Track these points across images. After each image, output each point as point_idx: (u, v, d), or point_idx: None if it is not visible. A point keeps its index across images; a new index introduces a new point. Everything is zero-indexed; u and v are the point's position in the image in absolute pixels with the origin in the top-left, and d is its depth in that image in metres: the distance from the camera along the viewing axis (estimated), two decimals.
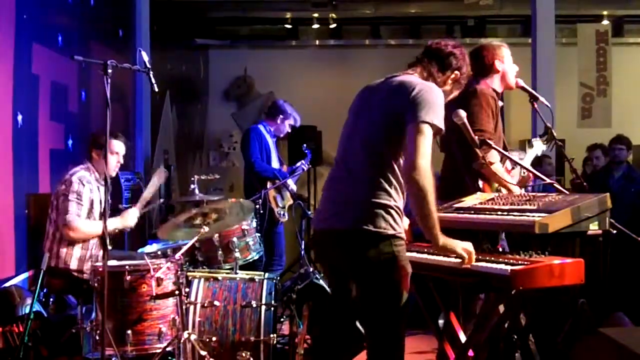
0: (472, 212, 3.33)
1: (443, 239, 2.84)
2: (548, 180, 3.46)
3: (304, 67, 10.46)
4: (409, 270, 2.88)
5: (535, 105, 4.25)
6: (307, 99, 9.39)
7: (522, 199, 3.31)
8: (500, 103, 4.21)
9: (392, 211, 2.86)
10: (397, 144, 2.87)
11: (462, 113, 3.39)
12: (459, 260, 2.92)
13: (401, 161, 2.89)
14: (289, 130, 6.73)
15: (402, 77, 3.01)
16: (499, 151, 3.62)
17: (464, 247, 2.88)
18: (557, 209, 2.97)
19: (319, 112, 8.93)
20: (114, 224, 4.68)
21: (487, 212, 3.25)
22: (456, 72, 3.12)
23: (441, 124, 2.84)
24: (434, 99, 2.87)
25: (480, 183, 3.87)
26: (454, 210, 3.45)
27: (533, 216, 2.96)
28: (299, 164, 6.75)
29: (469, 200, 3.54)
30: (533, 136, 7.41)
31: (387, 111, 2.93)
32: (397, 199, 2.89)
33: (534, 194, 3.36)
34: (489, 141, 3.54)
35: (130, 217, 4.77)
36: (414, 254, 3.16)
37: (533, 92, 4.25)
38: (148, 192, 4.86)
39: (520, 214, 3.05)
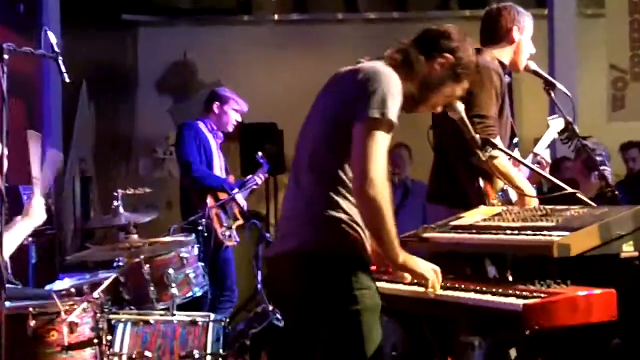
0: (474, 231, 3.34)
1: (403, 256, 2.92)
2: (568, 189, 3.48)
3: (260, 49, 10.44)
4: (373, 301, 2.91)
5: (552, 95, 4.28)
6: (264, 89, 9.38)
7: (537, 213, 3.32)
8: (507, 78, 4.26)
9: (346, 227, 2.90)
10: (345, 147, 2.90)
11: (460, 106, 3.41)
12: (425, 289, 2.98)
13: (350, 169, 2.92)
14: (238, 120, 6.70)
15: (358, 65, 3.05)
16: (505, 152, 3.64)
17: (429, 267, 2.97)
18: (581, 225, 2.98)
19: (280, 106, 8.92)
20: (23, 229, 4.43)
21: (493, 231, 3.25)
22: (447, 55, 3.10)
23: (394, 117, 2.86)
24: (384, 87, 2.88)
25: (481, 182, 3.90)
26: (451, 229, 3.46)
27: (551, 235, 2.97)
28: (250, 177, 6.73)
29: (470, 217, 3.56)
30: None
31: (330, 108, 2.99)
32: (351, 212, 2.92)
33: (551, 207, 3.37)
34: (493, 140, 3.56)
35: (36, 210, 4.48)
36: (399, 286, 3.16)
37: (549, 77, 4.30)
38: (35, 169, 4.54)
39: (535, 233, 3.06)
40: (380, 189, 2.80)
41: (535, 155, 4.52)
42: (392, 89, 2.90)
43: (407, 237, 3.48)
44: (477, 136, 3.50)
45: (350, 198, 2.92)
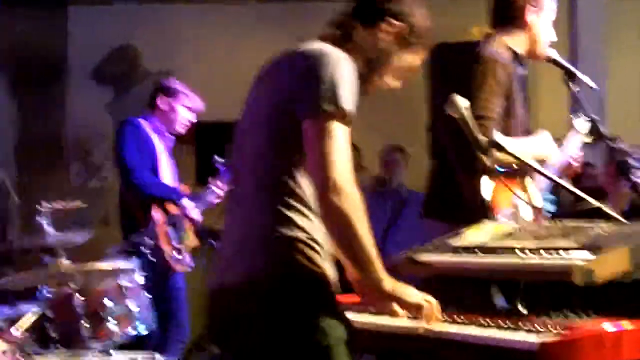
0: (479, 252, 3.35)
1: (391, 283, 2.91)
2: (594, 203, 3.50)
3: (221, 31, 10.45)
4: (342, 332, 2.91)
5: (574, 88, 4.30)
6: (226, 81, 9.35)
7: (555, 231, 3.34)
8: (521, 70, 4.29)
9: (304, 247, 2.90)
10: (292, 149, 2.91)
11: (461, 101, 3.41)
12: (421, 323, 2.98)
13: (301, 175, 2.93)
14: (190, 119, 6.69)
15: (298, 49, 3.06)
16: (516, 157, 3.64)
17: (423, 296, 2.97)
18: (609, 246, 2.99)
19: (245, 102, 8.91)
20: None
21: (502, 253, 3.26)
22: (395, 22, 3.13)
23: (351, 106, 2.87)
24: (334, 73, 2.88)
25: (488, 194, 3.92)
26: (451, 249, 3.47)
27: (572, 257, 2.98)
28: (208, 187, 6.71)
29: (473, 234, 3.57)
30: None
31: (270, 102, 2.98)
32: (308, 228, 2.93)
33: (573, 223, 3.39)
34: (501, 142, 3.56)
35: None
36: (385, 320, 3.16)
37: (570, 67, 4.32)
38: None
39: (553, 255, 3.07)
40: (349, 195, 2.78)
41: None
42: (344, 72, 2.90)
43: (397, 259, 3.49)
44: (483, 138, 3.50)
45: (306, 212, 2.92)
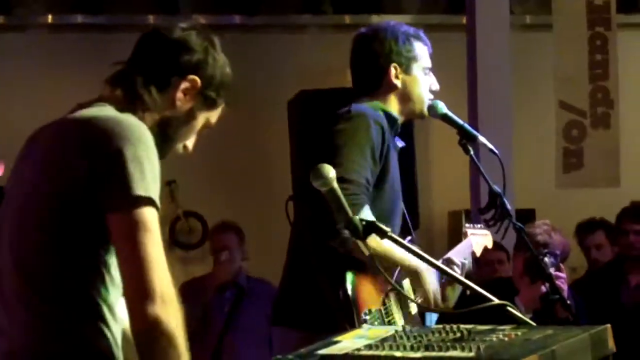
0: None
1: None
2: (495, 301, 3.54)
3: (23, 70, 10.35)
4: None
5: (471, 151, 4.34)
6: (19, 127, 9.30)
7: (447, 336, 3.35)
8: (399, 143, 4.31)
9: None
10: (73, 250, 2.92)
11: (329, 171, 3.38)
12: None
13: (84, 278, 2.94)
14: None
15: (79, 116, 3.07)
16: (400, 243, 3.66)
17: None
18: (513, 356, 3.02)
19: None
20: None
21: None
22: (191, 77, 3.17)
23: (157, 195, 2.91)
24: (139, 150, 2.90)
25: (349, 286, 3.92)
26: None
27: None
28: None
29: (347, 341, 3.56)
30: (473, 207, 7.56)
31: (44, 188, 2.96)
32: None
33: (469, 327, 3.42)
34: (383, 226, 3.57)
35: None
36: None
37: (465, 125, 4.35)
38: None
39: None
40: (175, 308, 2.82)
41: (449, 262, 4.52)
42: (150, 149, 2.93)
43: None
44: (357, 219, 3.49)
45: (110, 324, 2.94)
